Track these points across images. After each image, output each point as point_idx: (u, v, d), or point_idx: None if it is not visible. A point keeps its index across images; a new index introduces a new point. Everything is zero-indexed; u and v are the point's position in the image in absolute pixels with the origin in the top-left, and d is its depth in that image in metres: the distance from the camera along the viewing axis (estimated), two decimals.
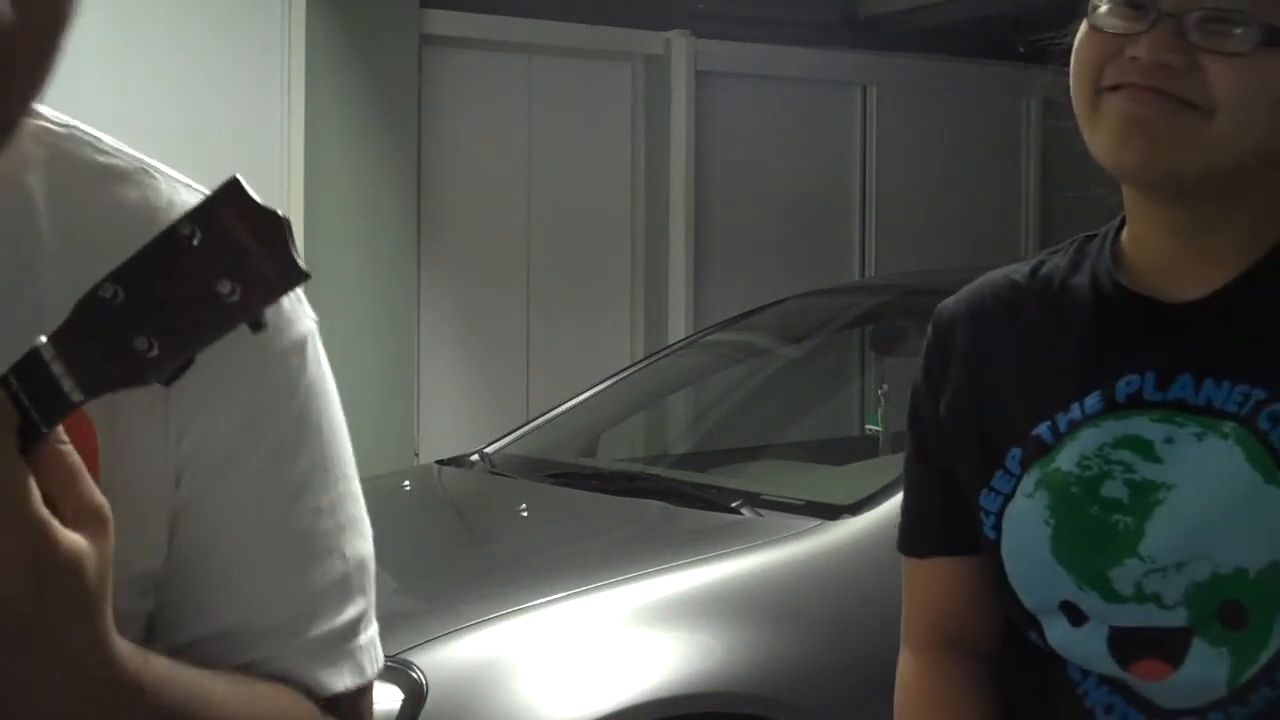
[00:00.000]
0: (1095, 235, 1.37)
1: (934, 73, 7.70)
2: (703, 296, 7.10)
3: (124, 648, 0.85)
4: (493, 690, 2.78)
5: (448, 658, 2.78)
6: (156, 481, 0.95)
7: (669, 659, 2.94)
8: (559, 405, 4.47)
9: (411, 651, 2.74)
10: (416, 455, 6.12)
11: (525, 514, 3.76)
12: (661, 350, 5.11)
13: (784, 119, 7.42)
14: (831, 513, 3.31)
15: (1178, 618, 1.23)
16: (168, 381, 0.80)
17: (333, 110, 6.13)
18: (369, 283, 6.13)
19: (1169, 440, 1.23)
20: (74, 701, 0.84)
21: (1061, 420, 1.28)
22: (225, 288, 0.76)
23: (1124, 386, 1.26)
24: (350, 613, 1.01)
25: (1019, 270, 1.38)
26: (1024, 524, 1.28)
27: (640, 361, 5.21)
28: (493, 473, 4.06)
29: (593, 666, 2.90)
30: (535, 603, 2.95)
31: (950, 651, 1.42)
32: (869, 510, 3.23)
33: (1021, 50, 7.16)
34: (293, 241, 0.77)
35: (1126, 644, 1.25)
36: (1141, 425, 1.24)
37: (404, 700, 2.68)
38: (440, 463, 4.27)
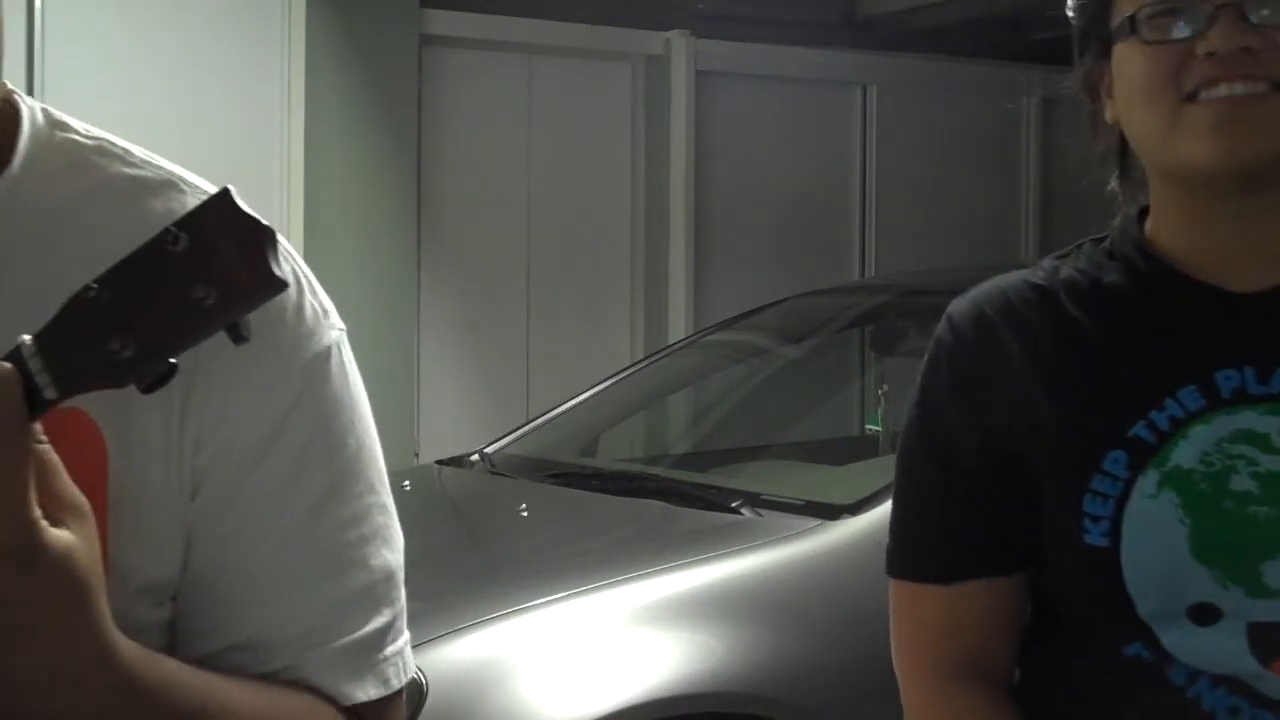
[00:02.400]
0: (1101, 238, 1.36)
1: (934, 73, 7.69)
2: (703, 296, 7.10)
3: (125, 646, 0.85)
4: (493, 690, 2.78)
5: (448, 658, 2.78)
6: (170, 492, 0.95)
7: (669, 659, 2.94)
8: (559, 405, 4.46)
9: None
10: (416, 455, 6.11)
11: (525, 514, 3.76)
12: (661, 350, 5.11)
13: (784, 119, 7.41)
14: (831, 513, 3.30)
15: None
16: (148, 388, 0.80)
17: (333, 110, 6.12)
18: (369, 283, 6.12)
19: None
20: (71, 700, 0.83)
21: (1160, 418, 1.26)
22: (201, 292, 0.77)
23: (1225, 381, 1.25)
24: (375, 624, 1.02)
25: (1034, 274, 1.35)
26: (1153, 526, 1.24)
27: (640, 361, 5.20)
28: (493, 473, 4.06)
29: (593, 666, 2.89)
30: (535, 603, 2.95)
31: (971, 680, 1.35)
32: (869, 510, 3.22)
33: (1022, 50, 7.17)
34: (274, 252, 0.77)
35: (1269, 640, 1.23)
36: (1251, 419, 1.24)
37: (404, 700, 2.67)
38: (440, 463, 4.27)
